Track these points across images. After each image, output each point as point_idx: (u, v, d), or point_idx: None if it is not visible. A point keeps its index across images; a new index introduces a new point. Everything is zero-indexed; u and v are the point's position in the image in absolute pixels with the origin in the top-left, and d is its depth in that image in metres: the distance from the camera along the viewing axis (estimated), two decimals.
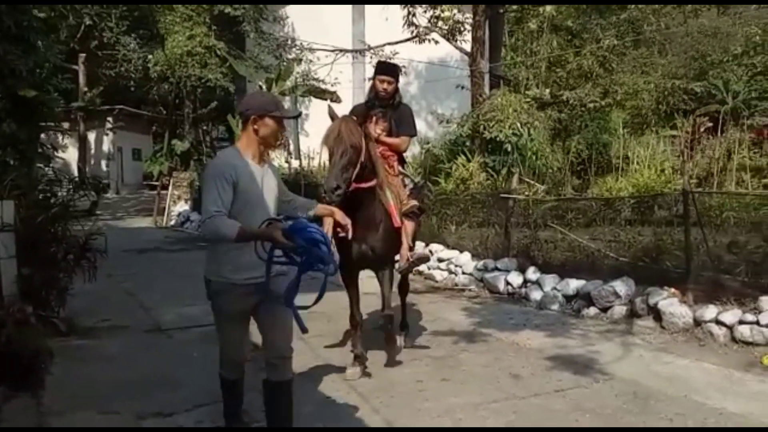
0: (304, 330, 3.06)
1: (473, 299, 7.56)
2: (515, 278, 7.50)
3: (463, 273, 8.24)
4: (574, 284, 6.81)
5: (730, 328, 5.37)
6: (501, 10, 13.69)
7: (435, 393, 4.40)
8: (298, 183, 13.72)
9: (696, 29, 19.34)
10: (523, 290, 7.34)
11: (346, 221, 3.82)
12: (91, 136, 31.41)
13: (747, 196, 7.79)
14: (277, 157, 19.03)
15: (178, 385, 4.61)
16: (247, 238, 2.99)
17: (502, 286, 7.58)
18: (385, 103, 5.23)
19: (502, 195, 8.35)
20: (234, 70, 20.29)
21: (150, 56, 21.95)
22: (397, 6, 15.04)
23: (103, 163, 33.41)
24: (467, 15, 13.31)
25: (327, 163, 4.52)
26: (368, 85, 5.67)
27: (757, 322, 5.21)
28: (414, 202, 5.05)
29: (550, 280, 7.09)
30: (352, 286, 4.90)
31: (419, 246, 7.18)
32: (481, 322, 6.36)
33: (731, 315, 5.40)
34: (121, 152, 33.88)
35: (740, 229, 7.19)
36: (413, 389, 4.49)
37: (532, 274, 7.35)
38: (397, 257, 5.08)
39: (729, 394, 4.33)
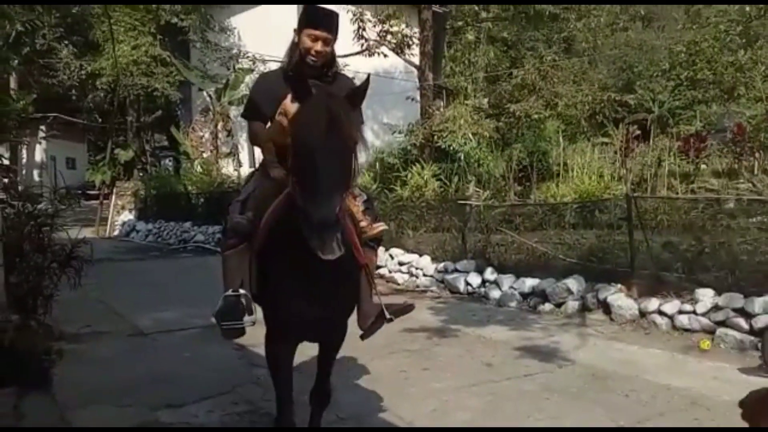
0: None
1: (436, 299, 8.09)
2: (474, 279, 8.07)
3: (424, 275, 8.77)
4: (529, 283, 7.44)
5: (671, 317, 6.08)
6: (446, 27, 14.35)
7: (418, 380, 4.86)
8: None
9: (623, 42, 20.72)
10: (483, 290, 7.92)
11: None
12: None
13: (678, 200, 8.58)
14: (225, 166, 19.18)
15: (178, 380, 4.88)
16: None
17: (462, 287, 8.14)
18: (315, 73, 3.04)
19: (459, 201, 8.94)
20: (181, 80, 20.28)
21: (88, 66, 21.65)
22: (345, 18, 15.52)
23: (35, 172, 32.37)
24: (415, 30, 13.93)
25: (296, 171, 2.37)
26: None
27: (694, 312, 5.94)
28: (381, 225, 3.17)
29: (507, 280, 7.70)
30: (284, 369, 2.98)
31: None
32: (448, 320, 6.87)
33: (671, 306, 6.11)
34: (54, 161, 32.90)
35: (673, 230, 7.98)
36: (399, 378, 4.93)
37: (489, 274, 7.94)
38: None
39: (673, 373, 4.96)
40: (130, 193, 21.52)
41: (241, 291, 2.85)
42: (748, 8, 12.60)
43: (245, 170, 17.75)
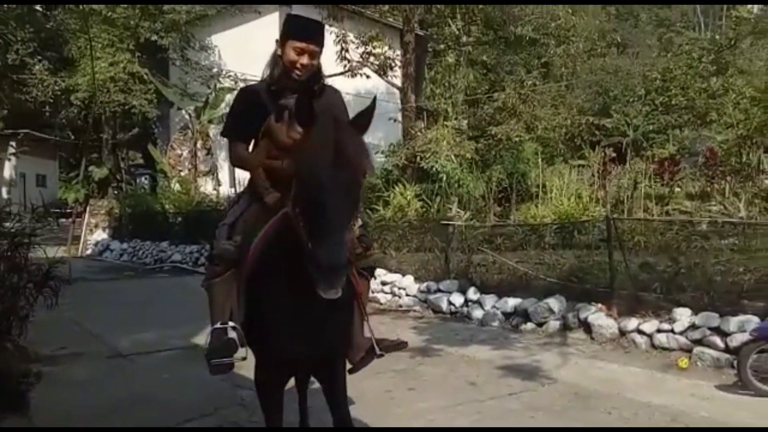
0: None
1: (419, 319, 8.11)
2: (457, 298, 8.13)
3: (407, 295, 8.80)
4: (511, 302, 7.52)
5: (650, 336, 6.20)
6: (428, 49, 14.57)
7: (404, 400, 4.88)
8: None
9: (599, 67, 21.23)
10: (465, 309, 7.97)
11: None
12: None
13: (654, 222, 8.76)
14: (203, 185, 19.08)
15: (159, 403, 4.83)
16: None
17: (445, 306, 8.18)
18: (299, 90, 2.68)
19: (442, 222, 9.02)
20: (159, 97, 20.19)
21: (62, 81, 21.47)
22: (329, 39, 15.66)
23: (4, 190, 31.76)
24: (397, 52, 14.12)
25: (301, 206, 2.19)
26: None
27: (672, 331, 6.06)
28: (374, 254, 3.16)
29: (489, 300, 7.77)
30: (276, 401, 2.83)
31: None
32: (431, 339, 6.90)
33: (650, 325, 6.23)
34: (24, 178, 32.32)
35: (649, 251, 8.14)
36: (385, 398, 4.94)
37: (472, 294, 8.01)
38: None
39: (653, 391, 5.05)
40: (105, 212, 21.20)
41: (230, 323, 2.68)
42: (717, 37, 13.02)
43: (225, 189, 17.68)
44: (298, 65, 2.87)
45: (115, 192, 22.82)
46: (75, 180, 24.64)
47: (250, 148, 3.02)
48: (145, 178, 23.79)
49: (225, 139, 3.12)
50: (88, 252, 20.00)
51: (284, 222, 2.40)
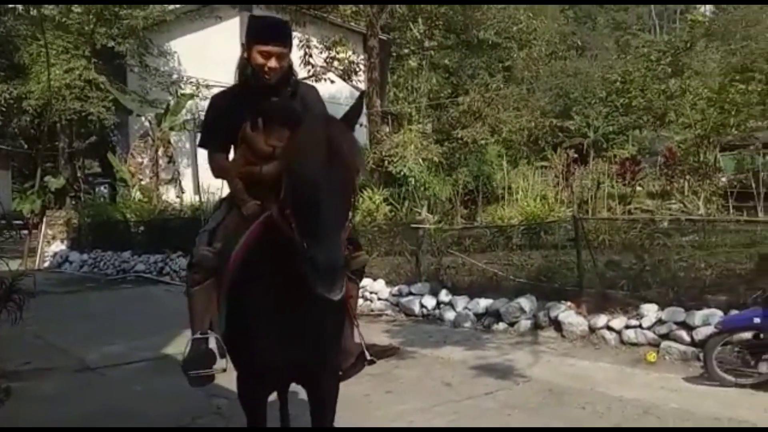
0: None
1: (392, 323, 8.13)
2: (429, 301, 8.17)
3: (379, 299, 8.81)
4: (483, 303, 7.60)
5: (619, 332, 6.34)
6: (391, 54, 14.65)
7: (382, 403, 4.89)
8: (197, 220, 13.70)
9: (559, 70, 21.66)
10: (437, 311, 8.02)
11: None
12: None
13: (618, 221, 8.96)
14: (165, 192, 18.76)
15: (133, 416, 4.73)
16: None
17: (417, 309, 8.22)
18: (271, 91, 2.79)
19: (412, 225, 9.06)
20: (118, 105, 19.78)
21: (14, 89, 20.91)
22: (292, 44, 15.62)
23: None
24: (361, 56, 14.15)
25: (294, 209, 2.13)
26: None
27: (640, 326, 6.21)
28: (363, 255, 2.97)
29: (461, 301, 7.84)
30: (260, 415, 2.72)
31: None
32: (405, 342, 6.92)
33: (619, 321, 6.37)
34: None
35: (614, 249, 8.32)
36: (364, 402, 4.93)
37: (444, 296, 8.06)
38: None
39: (624, 385, 5.18)
40: (63, 222, 20.68)
41: (210, 333, 2.60)
42: (673, 39, 13.41)
43: (188, 197, 17.42)
44: (266, 69, 2.76)
45: (73, 202, 22.25)
46: (30, 190, 23.92)
47: (230, 155, 2.94)
48: (104, 187, 23.26)
49: (204, 149, 3.00)
50: (46, 264, 19.46)
51: (267, 226, 2.35)
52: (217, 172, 2.97)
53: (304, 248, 2.04)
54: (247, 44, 2.81)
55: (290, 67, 2.88)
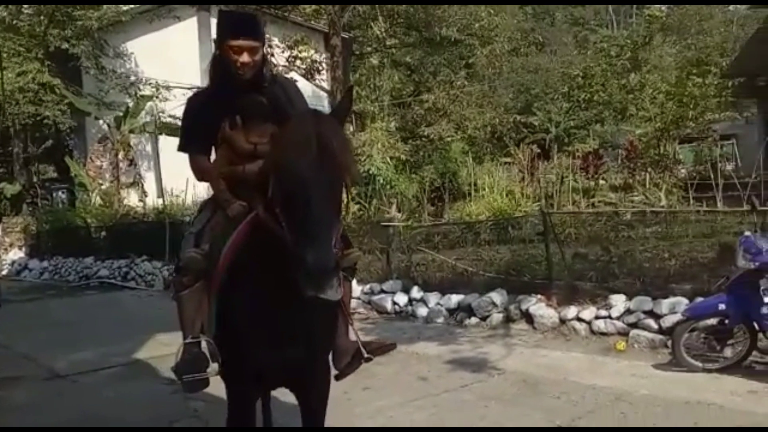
0: None
1: (365, 320, 8.14)
2: (401, 298, 8.22)
3: (351, 298, 8.79)
4: (455, 298, 7.67)
5: (589, 323, 6.47)
6: (355, 52, 14.64)
7: (362, 400, 4.90)
8: (162, 223, 13.50)
9: (520, 66, 21.95)
10: (410, 308, 8.08)
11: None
12: None
13: (582, 214, 9.15)
14: (127, 196, 18.43)
15: (110, 421, 4.65)
16: None
17: (389, 306, 8.26)
18: (248, 87, 2.78)
19: (382, 223, 9.10)
20: (74, 108, 19.30)
21: None
22: None
23: None
24: (324, 55, 14.11)
25: (283, 208, 2.10)
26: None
27: (609, 316, 6.36)
28: (355, 251, 2.92)
29: (433, 297, 7.91)
30: (250, 421, 2.71)
31: None
32: (379, 339, 6.94)
33: (588, 312, 6.51)
34: None
35: (580, 242, 8.49)
36: (343, 399, 4.92)
37: (416, 293, 8.12)
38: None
39: (596, 374, 5.31)
40: (20, 230, 20.16)
41: (202, 336, 2.56)
42: (629, 33, 13.70)
43: (152, 201, 17.14)
44: (239, 64, 2.73)
45: (30, 208, 21.67)
46: None
47: (212, 157, 2.91)
48: (63, 192, 22.64)
49: (185, 154, 2.96)
50: (4, 272, 18.92)
51: (254, 225, 2.33)
52: (200, 174, 2.94)
53: (294, 248, 2.00)
54: (219, 41, 2.78)
55: (264, 60, 2.85)
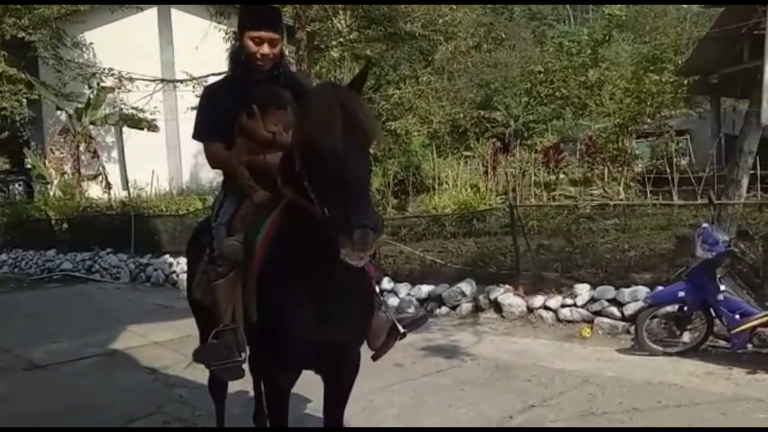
0: None
1: None
2: None
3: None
4: (425, 289, 7.91)
5: (555, 311, 6.82)
6: (317, 45, 14.67)
7: None
8: (127, 215, 13.38)
9: (479, 60, 22.26)
10: (381, 298, 8.24)
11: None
12: None
13: (545, 207, 9.48)
14: (88, 189, 18.12)
15: (95, 409, 4.74)
16: None
17: None
18: (265, 77, 2.88)
19: None
20: (30, 99, 18.83)
21: None
22: (218, 37, 15.42)
23: None
24: (289, 49, 14.09)
25: (317, 182, 2.12)
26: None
27: (575, 305, 6.72)
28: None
29: (403, 288, 8.13)
30: (284, 404, 2.75)
31: None
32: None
33: (555, 301, 6.85)
34: None
35: (544, 234, 8.81)
36: (322, 388, 5.12)
37: (387, 283, 8.33)
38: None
39: (564, 359, 5.63)
40: None
41: (233, 324, 2.62)
42: (588, 30, 14.09)
43: (116, 192, 16.89)
44: (259, 55, 2.81)
45: None
46: None
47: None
48: (19, 185, 22.13)
49: (200, 142, 3.02)
50: None
51: (287, 211, 2.39)
52: (215, 162, 2.98)
53: (333, 216, 2.02)
54: (240, 33, 2.86)
55: (282, 54, 2.94)
